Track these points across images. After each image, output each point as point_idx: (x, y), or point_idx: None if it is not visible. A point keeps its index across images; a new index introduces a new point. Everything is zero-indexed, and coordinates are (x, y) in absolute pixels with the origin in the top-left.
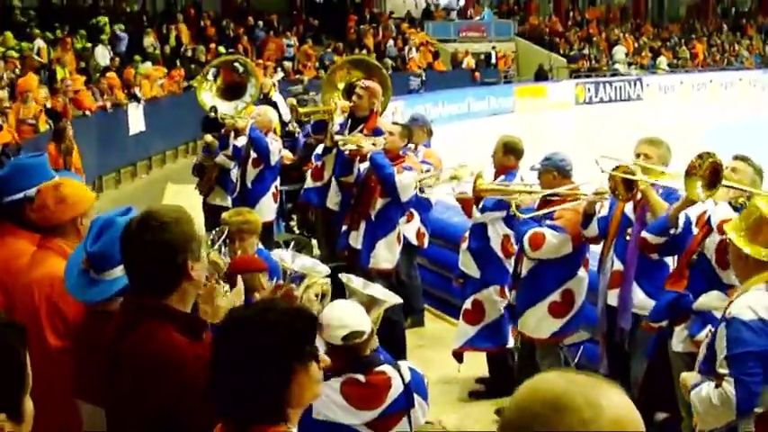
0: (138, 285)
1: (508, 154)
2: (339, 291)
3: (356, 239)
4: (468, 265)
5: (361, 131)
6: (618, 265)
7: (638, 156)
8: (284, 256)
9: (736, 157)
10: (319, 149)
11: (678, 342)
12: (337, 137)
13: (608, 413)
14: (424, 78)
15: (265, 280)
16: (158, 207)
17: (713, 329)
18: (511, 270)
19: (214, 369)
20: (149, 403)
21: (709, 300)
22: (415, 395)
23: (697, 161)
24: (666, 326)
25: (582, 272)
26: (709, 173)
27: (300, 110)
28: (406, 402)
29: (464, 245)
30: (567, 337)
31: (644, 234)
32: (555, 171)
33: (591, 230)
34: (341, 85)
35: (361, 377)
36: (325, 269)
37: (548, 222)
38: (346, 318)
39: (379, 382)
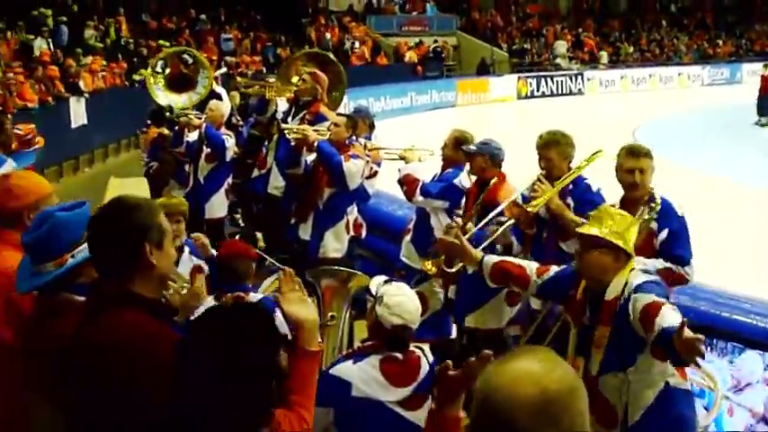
0: (99, 269)
1: (457, 148)
2: None
3: (305, 231)
4: (410, 257)
5: (303, 117)
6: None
7: (540, 159)
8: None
9: None
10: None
11: None
12: (283, 125)
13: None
14: None
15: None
16: (125, 195)
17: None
18: None
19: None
20: (118, 390)
21: None
22: None
23: None
24: None
25: None
26: None
27: (241, 81)
28: (430, 382)
29: (407, 237)
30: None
31: None
32: (488, 156)
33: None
34: (295, 79)
35: (399, 355)
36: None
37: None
38: (405, 311)
39: (413, 360)
